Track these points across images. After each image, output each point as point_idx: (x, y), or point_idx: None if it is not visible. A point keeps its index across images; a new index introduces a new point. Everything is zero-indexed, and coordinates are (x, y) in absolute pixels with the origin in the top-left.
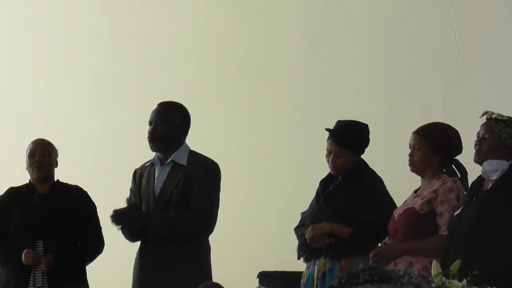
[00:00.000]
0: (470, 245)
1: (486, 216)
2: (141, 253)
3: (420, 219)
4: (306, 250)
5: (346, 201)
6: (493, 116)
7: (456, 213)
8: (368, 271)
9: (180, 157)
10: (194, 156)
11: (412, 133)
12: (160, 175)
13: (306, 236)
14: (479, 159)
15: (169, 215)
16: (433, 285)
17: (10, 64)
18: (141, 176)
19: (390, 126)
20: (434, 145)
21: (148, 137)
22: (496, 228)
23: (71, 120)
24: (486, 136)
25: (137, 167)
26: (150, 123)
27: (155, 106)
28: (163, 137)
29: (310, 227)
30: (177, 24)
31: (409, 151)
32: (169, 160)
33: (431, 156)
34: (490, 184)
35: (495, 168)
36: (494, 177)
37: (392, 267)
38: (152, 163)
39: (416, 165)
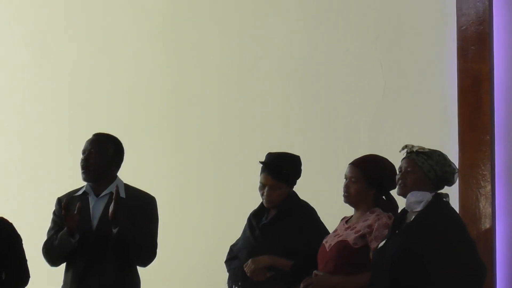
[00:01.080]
0: (392, 277)
1: (408, 248)
2: (80, 280)
3: (353, 253)
4: (244, 283)
5: (283, 233)
6: (414, 149)
7: (379, 246)
8: None
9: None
10: (131, 190)
11: (349, 164)
12: (96, 207)
13: (246, 269)
14: (404, 192)
15: (139, 230)
16: None
17: None
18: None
19: (317, 158)
20: (371, 179)
21: (82, 165)
22: (418, 259)
23: None
24: (409, 169)
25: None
26: (84, 152)
27: (81, 140)
28: (95, 166)
29: (250, 260)
30: (105, 57)
31: (339, 181)
32: (106, 192)
33: (367, 190)
34: (413, 216)
35: (419, 199)
36: (418, 208)
37: None
38: (84, 193)
39: (351, 197)
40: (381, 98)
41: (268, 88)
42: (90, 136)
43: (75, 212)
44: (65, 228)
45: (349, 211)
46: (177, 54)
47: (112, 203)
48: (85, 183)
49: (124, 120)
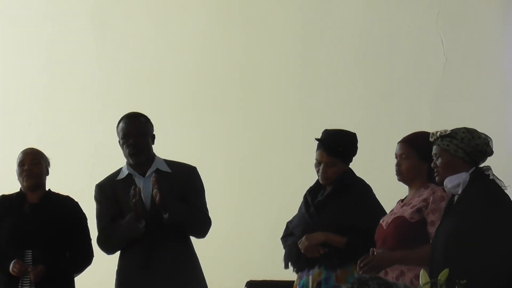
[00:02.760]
0: (447, 259)
1: (456, 231)
2: (146, 263)
3: (411, 227)
4: (298, 260)
5: (338, 210)
6: (438, 135)
7: (435, 230)
8: (376, 279)
9: (161, 166)
10: (172, 163)
11: (398, 142)
12: (145, 187)
13: (300, 246)
14: (440, 179)
15: (189, 206)
16: None
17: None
18: (113, 190)
19: (378, 135)
20: (421, 154)
21: (132, 151)
22: (466, 240)
23: (61, 129)
24: (437, 155)
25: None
26: (127, 135)
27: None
28: (146, 149)
29: (304, 237)
30: (169, 32)
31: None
32: (152, 171)
33: (419, 165)
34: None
35: (456, 183)
36: (459, 191)
37: (393, 281)
38: (129, 175)
39: (403, 174)
40: (442, 75)
41: (329, 65)
42: (151, 113)
43: (138, 196)
44: (131, 214)
45: (405, 188)
46: (243, 29)
47: (155, 190)
48: (119, 166)
49: (186, 96)
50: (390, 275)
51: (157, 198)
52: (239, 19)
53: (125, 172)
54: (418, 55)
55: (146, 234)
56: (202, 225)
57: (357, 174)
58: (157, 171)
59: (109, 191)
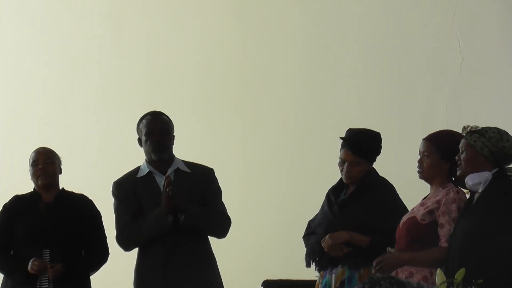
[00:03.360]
0: (463, 258)
1: (474, 230)
2: (166, 262)
3: (420, 229)
4: (321, 259)
5: (362, 209)
6: (468, 129)
7: (452, 230)
8: (388, 279)
9: (181, 166)
10: (191, 164)
11: (423, 139)
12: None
13: (324, 245)
14: (461, 173)
15: (205, 208)
16: None
17: (14, 74)
18: (133, 188)
19: (394, 134)
20: (443, 153)
21: (157, 147)
22: (482, 240)
23: (74, 128)
24: (462, 149)
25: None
26: (152, 132)
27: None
28: (169, 147)
29: (328, 235)
30: (184, 33)
31: (415, 158)
32: (172, 169)
33: (440, 164)
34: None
35: (477, 181)
36: (480, 189)
37: (406, 279)
38: (149, 173)
39: (425, 172)
40: (458, 74)
41: (346, 64)
42: (166, 111)
43: (168, 192)
44: (159, 208)
45: (426, 187)
46: (254, 29)
47: (167, 193)
48: (132, 165)
49: (200, 95)
50: (400, 276)
51: (170, 202)
52: (255, 18)
53: (144, 170)
54: (434, 54)
55: (168, 233)
56: (221, 225)
57: (380, 173)
58: (177, 170)
59: (128, 188)
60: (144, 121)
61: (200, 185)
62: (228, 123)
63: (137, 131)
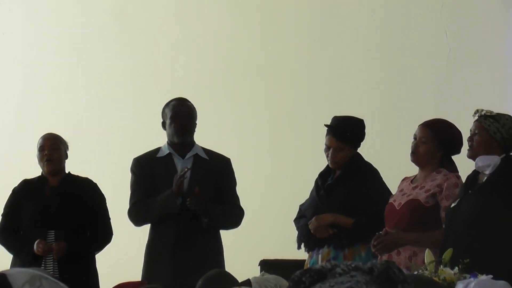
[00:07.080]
0: (468, 236)
1: (483, 208)
2: (177, 240)
3: (425, 211)
4: (309, 240)
5: (346, 193)
6: (483, 113)
7: (452, 206)
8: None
9: (200, 152)
10: (209, 152)
11: (420, 125)
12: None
13: (310, 227)
14: (471, 154)
15: (226, 207)
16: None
17: (22, 63)
18: (151, 166)
19: (385, 123)
20: (440, 141)
21: (181, 130)
22: (492, 219)
23: (81, 115)
24: (476, 132)
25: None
26: (177, 115)
27: (160, 101)
28: (192, 132)
29: (314, 217)
30: (182, 24)
31: (404, 145)
32: (191, 154)
33: (435, 151)
34: (485, 177)
35: (487, 163)
36: (488, 171)
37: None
38: (169, 154)
39: (419, 157)
40: (445, 65)
41: (339, 56)
42: (167, 99)
43: (183, 175)
44: (170, 190)
45: (411, 172)
46: (253, 21)
47: (181, 178)
48: (158, 145)
49: (201, 85)
50: (403, 255)
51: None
52: (249, 13)
53: (165, 151)
54: (422, 45)
55: (181, 212)
56: (236, 221)
57: (367, 158)
58: (196, 156)
59: (146, 166)
60: (170, 105)
61: (216, 173)
62: (228, 113)
63: (162, 114)
